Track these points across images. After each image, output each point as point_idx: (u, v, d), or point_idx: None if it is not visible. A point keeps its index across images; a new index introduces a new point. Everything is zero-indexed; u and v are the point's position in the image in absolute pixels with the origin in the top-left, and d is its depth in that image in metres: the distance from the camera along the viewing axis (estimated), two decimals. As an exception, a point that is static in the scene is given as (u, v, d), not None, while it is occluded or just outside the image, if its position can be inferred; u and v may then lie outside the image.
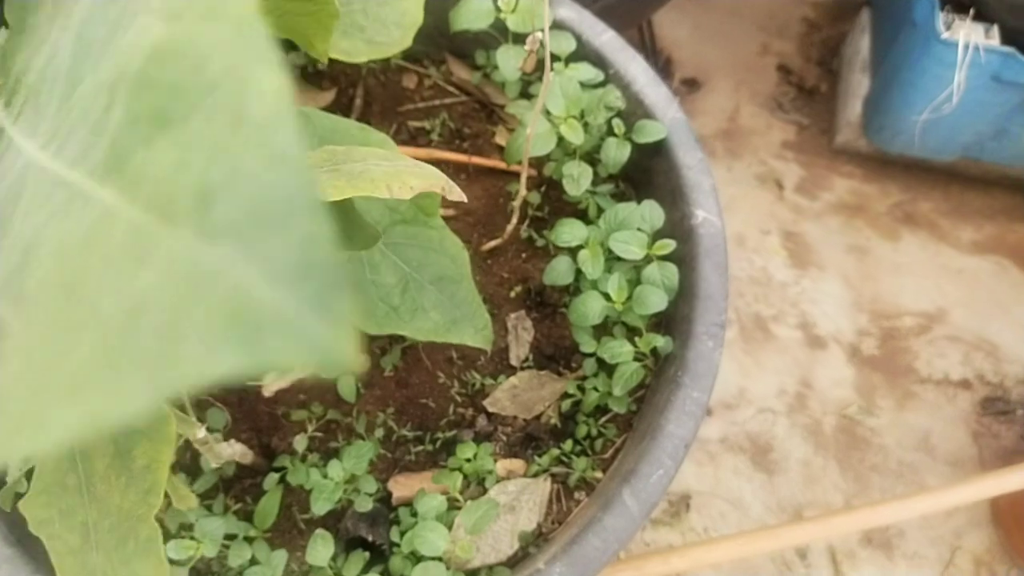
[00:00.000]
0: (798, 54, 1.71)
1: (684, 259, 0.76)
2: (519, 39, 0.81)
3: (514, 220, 0.83)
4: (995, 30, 1.12)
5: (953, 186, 1.54)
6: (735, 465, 1.36)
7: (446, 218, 0.90)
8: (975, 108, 1.20)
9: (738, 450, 1.37)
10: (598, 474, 0.78)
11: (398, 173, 0.42)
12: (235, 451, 0.70)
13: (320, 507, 0.70)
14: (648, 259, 0.76)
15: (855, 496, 1.33)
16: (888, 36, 1.35)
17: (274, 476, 0.75)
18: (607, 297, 0.75)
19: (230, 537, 0.73)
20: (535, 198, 0.89)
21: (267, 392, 0.82)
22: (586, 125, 0.78)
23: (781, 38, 1.74)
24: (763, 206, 1.56)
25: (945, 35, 1.12)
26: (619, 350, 0.73)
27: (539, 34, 0.63)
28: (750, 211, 1.55)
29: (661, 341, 0.73)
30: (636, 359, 0.74)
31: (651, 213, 0.76)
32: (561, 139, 0.77)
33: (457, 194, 0.45)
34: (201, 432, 0.59)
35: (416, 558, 0.70)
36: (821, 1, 1.78)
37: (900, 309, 1.46)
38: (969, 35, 1.09)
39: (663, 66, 1.66)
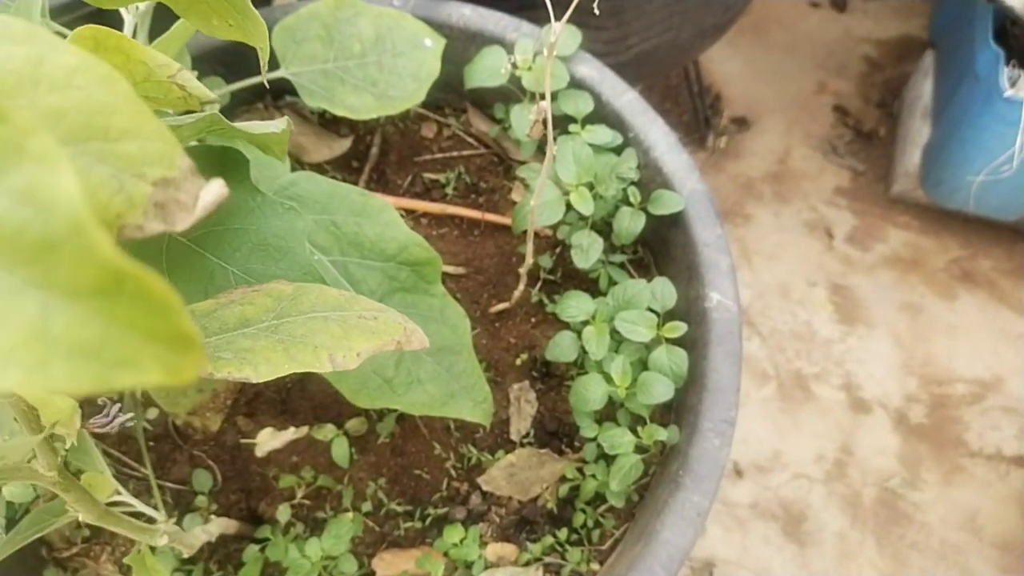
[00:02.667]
0: (857, 95, 1.63)
1: (696, 343, 0.71)
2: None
3: (521, 286, 0.79)
4: (1066, 89, 1.04)
5: (1017, 244, 1.44)
6: (765, 533, 1.29)
7: (455, 276, 0.87)
8: (1042, 170, 1.11)
9: (769, 517, 1.30)
10: (594, 566, 0.73)
11: (347, 333, 0.38)
12: (212, 533, 0.68)
13: (294, 589, 0.67)
14: (657, 340, 0.71)
15: (892, 576, 1.24)
16: (951, 85, 1.27)
17: (254, 548, 0.73)
18: (610, 380, 0.70)
19: (208, 606, 0.71)
20: (547, 261, 0.84)
21: (260, 452, 0.80)
22: (598, 195, 0.74)
23: (839, 77, 1.66)
24: (811, 256, 1.48)
25: (1009, 92, 1.04)
26: (619, 440, 0.68)
27: (544, 103, 0.59)
28: (796, 260, 1.48)
29: (664, 434, 0.68)
30: (638, 450, 0.69)
31: (663, 292, 0.71)
32: (572, 206, 0.73)
33: (419, 341, 0.41)
34: (163, 539, 0.56)
35: (392, 649, 0.66)
36: (884, 39, 1.69)
37: (953, 375, 1.36)
38: (1036, 94, 1.01)
39: (712, 103, 1.60)
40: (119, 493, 0.61)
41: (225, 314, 0.41)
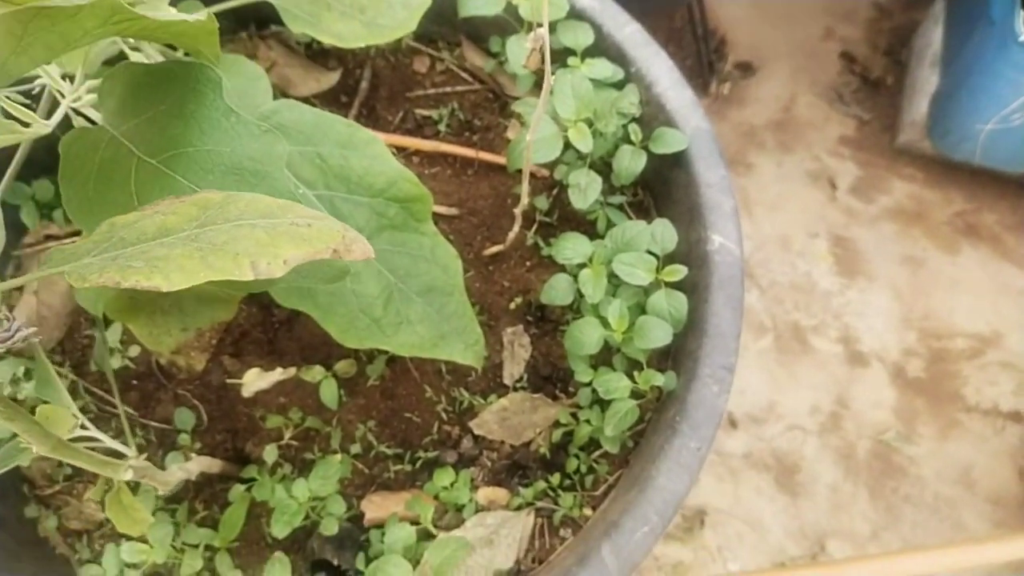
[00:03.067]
0: (865, 42, 1.58)
1: (696, 286, 0.68)
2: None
3: (516, 227, 0.76)
4: (1085, 34, 1.00)
5: (1023, 198, 1.41)
6: (758, 484, 1.28)
7: (448, 217, 0.84)
8: (1055, 119, 1.07)
9: (762, 468, 1.29)
10: (587, 511, 0.72)
11: (274, 240, 0.35)
12: (191, 471, 0.66)
13: (279, 529, 0.66)
14: (657, 284, 0.68)
15: (884, 529, 1.24)
16: (962, 31, 1.23)
17: (240, 487, 0.71)
18: (607, 323, 0.68)
19: (194, 546, 0.70)
20: (543, 203, 0.81)
21: (247, 392, 0.78)
22: (599, 132, 0.70)
23: (847, 23, 1.60)
24: (813, 206, 1.45)
25: (1026, 37, 1.00)
26: (615, 385, 0.66)
27: (541, 30, 0.56)
28: (798, 211, 1.45)
29: (662, 380, 0.66)
30: (634, 395, 0.67)
31: (663, 233, 0.68)
32: (570, 144, 0.70)
33: (360, 251, 0.38)
34: (128, 473, 0.54)
35: (379, 591, 0.65)
36: (896, -16, 1.64)
37: (952, 329, 1.35)
38: (1054, 39, 0.97)
39: (716, 47, 1.55)
40: (84, 428, 0.59)
41: (145, 224, 0.38)
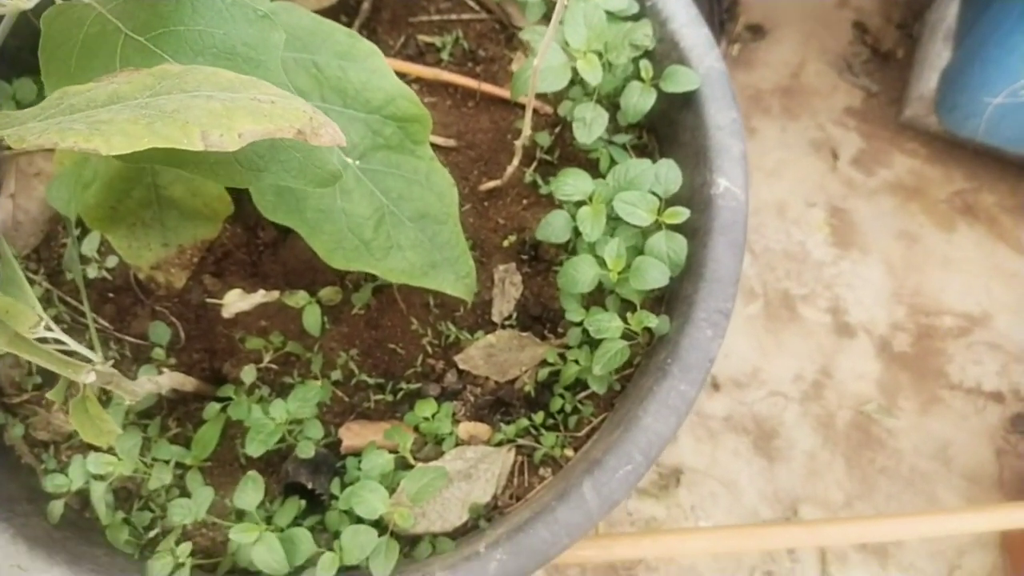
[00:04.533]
0: (878, 13, 1.55)
1: (697, 231, 0.67)
2: (548, -47, 0.71)
3: (515, 161, 0.74)
4: (1108, 9, 0.98)
5: (1023, 181, 1.40)
6: (735, 446, 1.28)
7: (445, 148, 0.81)
8: (1067, 97, 1.06)
9: (741, 431, 1.29)
10: (568, 452, 0.71)
11: (229, 112, 0.33)
12: (161, 384, 0.64)
13: (254, 448, 0.64)
14: (657, 225, 0.66)
15: (858, 498, 1.25)
16: (979, 4, 1.20)
17: (216, 406, 0.69)
18: (603, 263, 0.66)
19: (164, 462, 0.68)
20: (545, 139, 0.79)
21: (227, 313, 0.76)
22: (608, 64, 0.68)
23: (863, -8, 1.57)
24: (813, 176, 1.43)
25: (1048, 9, 0.98)
26: (606, 324, 0.65)
27: (558, -53, 0.53)
28: (798, 179, 1.43)
29: (655, 321, 0.65)
30: (625, 337, 0.66)
31: (667, 174, 0.66)
32: (578, 77, 0.67)
33: (329, 137, 0.35)
34: (90, 376, 0.52)
35: (353, 517, 0.64)
36: (915, -45, 1.60)
37: (941, 307, 1.34)
38: (1076, 12, 0.95)
39: (728, 7, 1.52)
40: (49, 329, 0.56)
41: (97, 92, 0.36)
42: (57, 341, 0.57)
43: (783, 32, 1.53)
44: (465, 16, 0.85)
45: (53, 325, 0.56)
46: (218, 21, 0.41)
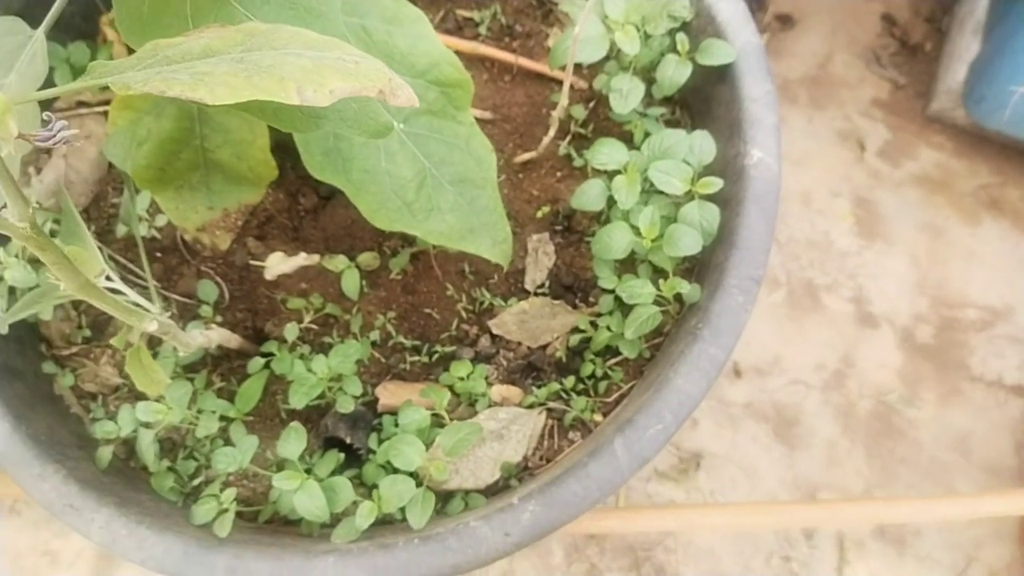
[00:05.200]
0: (907, 6, 1.55)
1: (730, 201, 0.68)
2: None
3: (551, 133, 0.76)
4: None
5: (1052, 175, 1.40)
6: (755, 433, 1.29)
7: (481, 121, 0.83)
8: (1097, 88, 1.06)
9: (762, 418, 1.30)
10: (597, 417, 0.73)
11: (320, 70, 0.35)
12: (211, 339, 0.66)
13: (297, 400, 0.67)
14: (690, 196, 0.68)
15: (877, 487, 1.25)
16: (1012, -4, 1.20)
17: (259, 361, 0.72)
18: (637, 231, 0.68)
19: (210, 412, 0.71)
20: (580, 112, 0.81)
21: (269, 275, 0.79)
22: (646, 36, 0.70)
23: (893, -15, 1.58)
24: (839, 166, 1.44)
25: (1081, -2, 0.98)
26: (639, 290, 0.66)
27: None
28: (824, 169, 1.44)
29: (687, 288, 0.66)
30: (656, 303, 0.68)
31: (701, 145, 0.68)
32: (615, 49, 0.69)
33: (406, 98, 0.37)
34: (152, 325, 0.54)
35: (390, 469, 0.66)
36: (946, -50, 1.61)
37: (965, 299, 1.35)
38: (1110, 1, 0.95)
39: (757, -2, 1.53)
40: (109, 279, 0.59)
41: (190, 45, 0.38)
42: (116, 292, 0.59)
43: (812, 23, 1.54)
44: (504, -8, 0.87)
45: (114, 275, 0.59)
46: (284, -31, 0.43)
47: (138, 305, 0.60)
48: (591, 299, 0.77)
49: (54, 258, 0.47)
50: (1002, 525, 1.25)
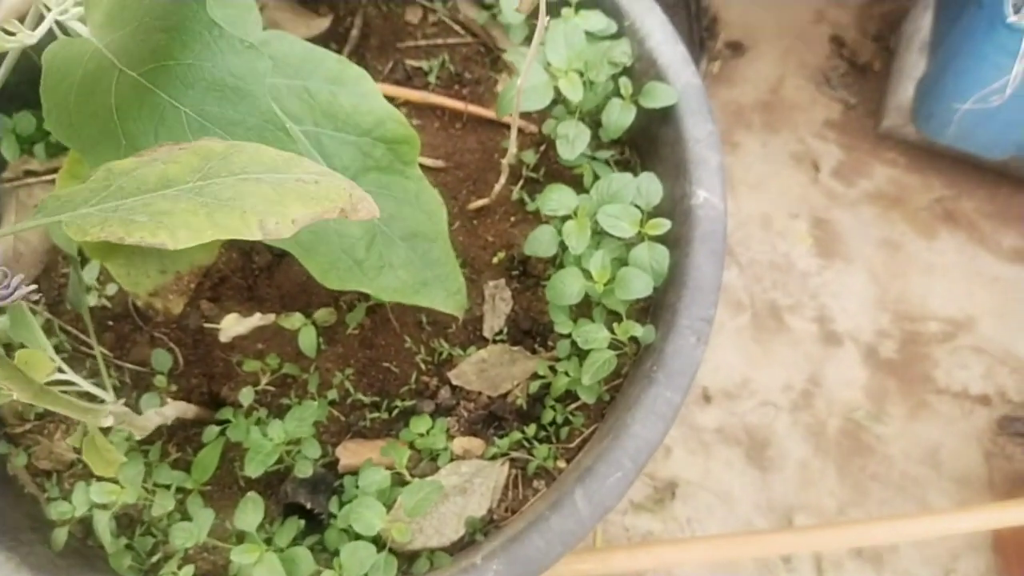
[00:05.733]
0: (854, 26, 1.59)
1: (679, 241, 0.69)
2: (528, -21, 0.73)
3: (502, 180, 0.76)
4: (1072, 19, 1.01)
5: (1002, 187, 1.43)
6: (728, 457, 1.30)
7: (434, 170, 0.83)
8: (1036, 104, 1.08)
9: (734, 442, 1.30)
10: (561, 463, 0.72)
11: (281, 197, 0.34)
12: (166, 415, 0.65)
13: (253, 469, 0.65)
14: (640, 237, 0.68)
15: (851, 505, 1.26)
16: (951, 15, 1.24)
17: (214, 429, 0.71)
18: (589, 276, 0.68)
19: (165, 487, 0.69)
20: (531, 157, 0.81)
21: (224, 337, 0.78)
22: (589, 82, 0.70)
23: (838, 7, 1.61)
24: (795, 188, 1.46)
25: (1012, 19, 1.01)
26: (594, 336, 0.66)
27: (536, -27, 0.55)
28: (780, 192, 1.46)
29: (640, 331, 0.66)
30: (612, 347, 0.68)
31: (648, 187, 0.68)
32: (561, 95, 0.70)
33: (367, 211, 0.37)
34: (108, 420, 0.54)
35: (352, 534, 0.65)
36: (887, -29, 1.65)
37: (926, 312, 1.37)
38: (1041, 22, 0.98)
39: (708, 25, 1.55)
40: (61, 371, 0.58)
41: (145, 173, 0.37)
42: (68, 382, 0.58)
43: (762, 48, 1.56)
44: (451, 40, 0.88)
45: (65, 368, 0.58)
46: (206, 54, 0.42)
47: (92, 397, 0.59)
48: (550, 343, 0.77)
49: (7, 372, 0.46)
50: (977, 536, 1.26)
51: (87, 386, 0.59)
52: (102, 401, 0.61)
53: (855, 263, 1.40)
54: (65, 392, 0.56)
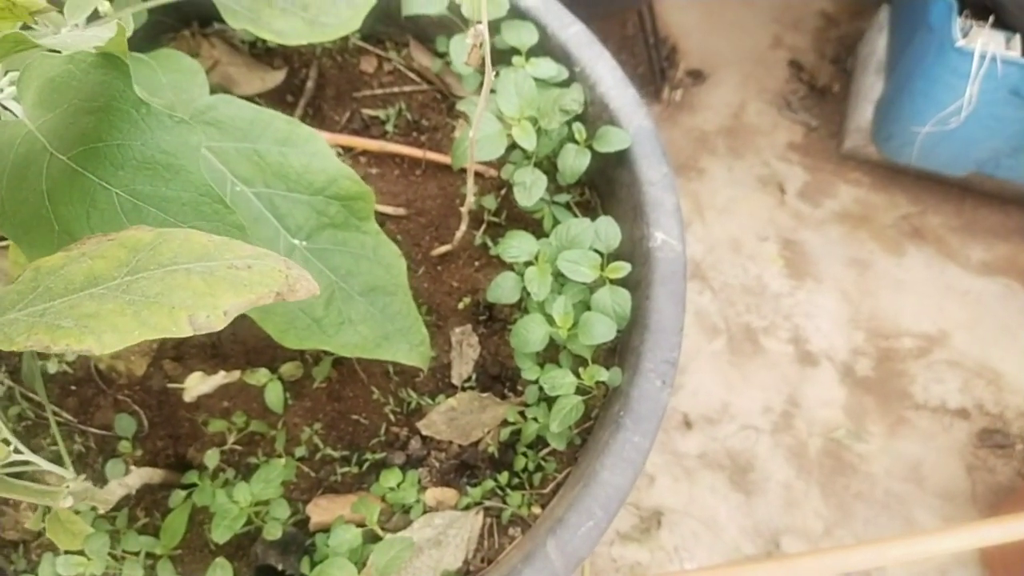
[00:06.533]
0: (812, 50, 1.61)
1: (640, 283, 0.69)
2: (479, 28, 0.74)
3: (463, 227, 0.76)
4: (1017, 40, 1.03)
5: (966, 201, 1.45)
6: (712, 483, 1.29)
7: (396, 217, 0.83)
8: (991, 123, 1.10)
9: (717, 467, 1.30)
10: (536, 509, 0.71)
11: (212, 288, 0.34)
12: (131, 485, 0.64)
13: (220, 535, 0.64)
14: (601, 281, 0.69)
15: (837, 525, 1.26)
16: (904, 38, 1.26)
17: (181, 494, 0.70)
18: (552, 321, 0.68)
19: (134, 554, 0.68)
20: (491, 202, 0.81)
21: (188, 397, 0.77)
22: (542, 130, 0.71)
23: (795, 31, 1.64)
24: (763, 211, 1.48)
25: (961, 43, 1.03)
26: (560, 381, 0.66)
27: (480, 27, 0.56)
28: (748, 215, 1.47)
29: (607, 375, 0.66)
30: (580, 391, 0.67)
31: (607, 231, 0.69)
32: (516, 143, 0.70)
33: (305, 290, 0.36)
34: (68, 501, 0.53)
35: (324, 595, 0.64)
36: (841, -6, 1.68)
37: (899, 329, 1.38)
38: (987, 44, 1.00)
39: (667, 55, 1.57)
40: (19, 452, 0.57)
41: (73, 271, 0.36)
42: (29, 463, 0.57)
43: (722, 75, 1.58)
44: (407, 88, 0.88)
45: (23, 448, 0.57)
46: (135, 133, 0.42)
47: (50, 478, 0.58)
48: (519, 387, 0.77)
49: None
50: (965, 551, 1.26)
51: (46, 465, 0.57)
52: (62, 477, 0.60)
53: (826, 283, 1.41)
54: (25, 471, 0.55)
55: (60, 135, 0.42)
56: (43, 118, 0.43)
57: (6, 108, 0.50)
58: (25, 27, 0.43)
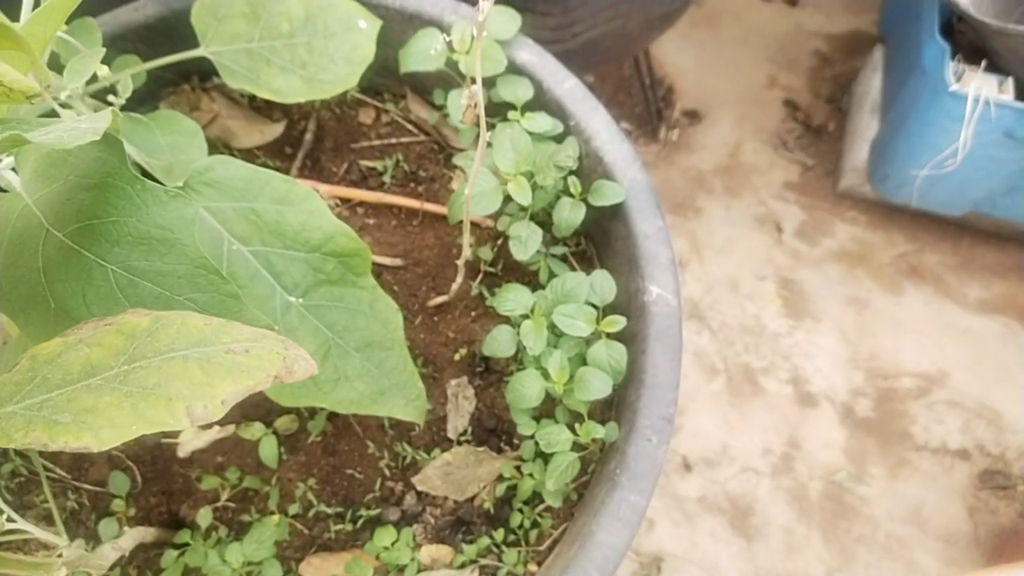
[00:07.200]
0: (807, 89, 1.63)
1: (636, 337, 0.69)
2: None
3: (459, 278, 0.76)
4: (1009, 83, 1.04)
5: (964, 239, 1.45)
6: (713, 528, 1.28)
7: (393, 268, 0.84)
8: (986, 165, 1.11)
9: (717, 511, 1.29)
10: (532, 567, 0.71)
11: (209, 376, 0.33)
12: (124, 548, 0.64)
13: (212, 597, 0.64)
14: (597, 335, 0.68)
15: (838, 570, 1.24)
16: (898, 79, 1.27)
17: (173, 554, 0.69)
18: (548, 376, 0.67)
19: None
20: (487, 253, 0.82)
21: (182, 452, 0.76)
22: (537, 185, 0.71)
23: (790, 71, 1.65)
24: (760, 250, 1.48)
25: (954, 87, 1.04)
26: (556, 438, 0.66)
27: (475, 88, 0.56)
28: (746, 255, 1.47)
29: (602, 432, 0.66)
30: (576, 447, 0.67)
31: (602, 284, 0.69)
32: (510, 197, 0.70)
33: (303, 371, 0.36)
34: (61, 572, 0.52)
35: (317, 658, 0.63)
36: (835, 34, 1.70)
37: (898, 369, 1.37)
38: (980, 88, 1.01)
39: (664, 96, 1.59)
40: (12, 520, 0.56)
41: (69, 360, 0.36)
42: (21, 531, 0.57)
43: (718, 115, 1.60)
44: (404, 139, 0.89)
45: (16, 517, 0.56)
46: (130, 209, 0.42)
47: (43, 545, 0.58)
48: (515, 440, 0.76)
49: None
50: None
51: (39, 533, 0.57)
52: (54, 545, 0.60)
53: (824, 322, 1.41)
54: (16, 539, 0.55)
55: (56, 211, 0.42)
56: (40, 192, 0.43)
57: (3, 179, 0.50)
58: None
